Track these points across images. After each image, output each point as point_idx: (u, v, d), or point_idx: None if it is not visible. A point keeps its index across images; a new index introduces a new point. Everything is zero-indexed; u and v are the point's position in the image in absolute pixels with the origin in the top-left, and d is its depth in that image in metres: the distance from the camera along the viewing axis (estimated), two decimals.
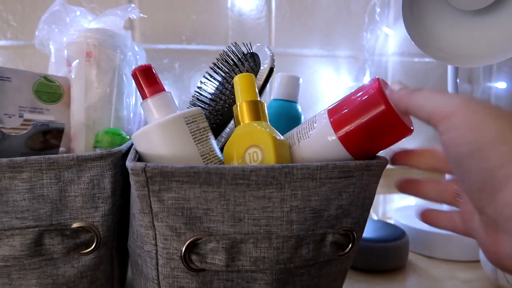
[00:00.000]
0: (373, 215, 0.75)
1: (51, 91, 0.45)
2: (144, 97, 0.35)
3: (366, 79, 0.71)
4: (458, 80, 0.50)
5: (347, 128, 0.32)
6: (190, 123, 0.34)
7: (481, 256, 0.49)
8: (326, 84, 0.71)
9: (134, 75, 0.35)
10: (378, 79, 0.32)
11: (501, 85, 0.76)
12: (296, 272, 0.32)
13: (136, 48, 0.50)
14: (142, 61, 0.54)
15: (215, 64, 0.44)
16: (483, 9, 0.44)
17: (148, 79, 0.35)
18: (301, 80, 0.51)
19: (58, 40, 0.45)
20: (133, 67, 0.40)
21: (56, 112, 0.45)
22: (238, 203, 0.30)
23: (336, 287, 0.36)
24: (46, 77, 0.44)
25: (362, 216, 0.34)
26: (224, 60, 0.42)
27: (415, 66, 0.74)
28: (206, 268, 0.30)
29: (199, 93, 0.44)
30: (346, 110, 0.33)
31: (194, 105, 0.44)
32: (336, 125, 0.33)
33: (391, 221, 0.64)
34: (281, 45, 0.69)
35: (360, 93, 0.32)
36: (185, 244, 0.30)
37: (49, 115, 0.45)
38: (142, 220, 0.30)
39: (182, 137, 0.33)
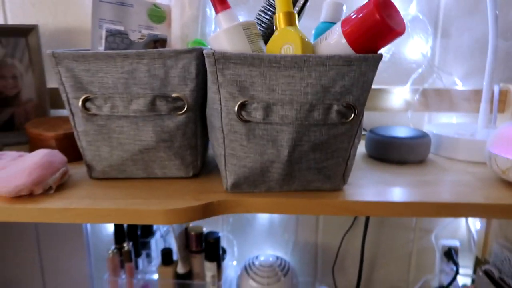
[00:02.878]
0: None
1: (158, 14, 0.64)
2: (216, 12, 0.52)
3: (417, 5, 0.79)
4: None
5: (352, 33, 0.46)
6: (246, 29, 0.50)
7: (486, 155, 0.58)
8: None
9: None
10: None
11: None
12: (311, 129, 0.48)
13: None
14: None
15: None
16: None
17: (219, 0, 0.52)
18: (344, 7, 0.63)
19: None
20: None
21: (162, 29, 0.65)
22: (272, 79, 0.47)
23: (344, 147, 0.51)
24: (155, 5, 0.64)
25: (362, 95, 0.48)
26: None
27: None
28: (250, 120, 0.48)
29: (260, 12, 0.59)
30: (352, 20, 0.46)
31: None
32: (344, 28, 0.47)
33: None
34: None
35: (364, 7, 0.45)
36: (237, 103, 0.47)
37: (157, 31, 0.65)
38: (212, 88, 0.48)
39: (239, 39, 0.50)
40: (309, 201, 0.51)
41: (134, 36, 0.61)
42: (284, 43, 0.49)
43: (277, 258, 0.85)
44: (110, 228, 0.93)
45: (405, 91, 0.80)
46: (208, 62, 0.47)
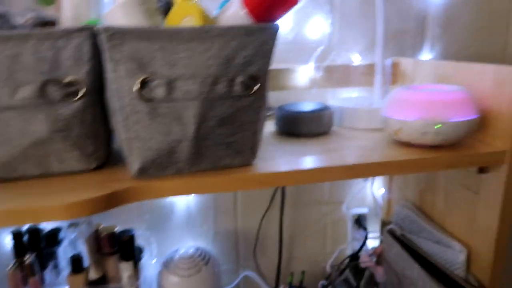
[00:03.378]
0: None
1: None
2: None
3: None
4: None
5: (251, 2, 0.46)
6: (142, 4, 0.48)
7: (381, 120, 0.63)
8: None
9: None
10: None
11: None
12: (216, 103, 0.47)
13: None
14: None
15: None
16: None
17: None
18: None
19: None
20: None
21: (51, 12, 0.59)
22: (173, 53, 0.45)
23: (251, 120, 0.51)
24: None
25: (264, 66, 0.49)
26: None
27: None
28: (152, 98, 0.46)
29: None
30: None
31: None
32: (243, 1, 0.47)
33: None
34: None
35: None
36: (137, 81, 0.45)
37: (45, 14, 0.59)
38: (109, 66, 0.45)
39: (136, 13, 0.47)
40: (221, 178, 0.51)
41: (19, 20, 0.55)
42: (184, 16, 0.47)
43: (197, 249, 0.83)
44: (7, 241, 0.83)
45: (309, 69, 0.83)
46: (102, 39, 0.44)
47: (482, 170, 0.61)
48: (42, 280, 0.75)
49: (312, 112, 0.68)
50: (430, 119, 0.55)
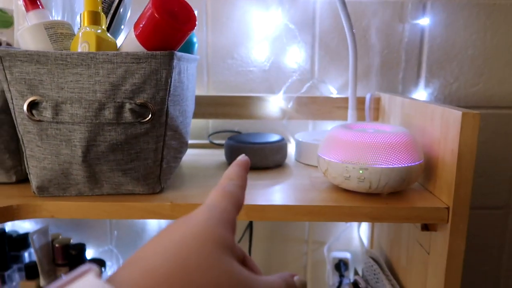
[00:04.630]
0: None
1: (5, 19, 0.63)
2: (26, 11, 0.51)
3: (293, 17, 0.80)
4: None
5: (142, 33, 0.45)
6: (49, 28, 0.49)
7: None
8: (256, 23, 0.80)
9: None
10: None
11: (425, 21, 0.79)
12: (104, 128, 0.46)
13: None
14: None
15: None
16: None
17: (30, 1, 0.51)
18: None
19: None
20: None
21: (9, 34, 0.64)
22: (60, 76, 0.45)
23: (150, 148, 0.49)
24: (1, 9, 0.63)
25: (158, 94, 0.47)
26: None
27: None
28: (41, 119, 0.46)
29: None
30: (140, 20, 0.45)
31: None
32: (135, 28, 0.46)
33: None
34: None
35: (147, 7, 0.45)
36: (26, 102, 0.46)
37: (2, 36, 0.64)
38: (4, 86, 0.47)
39: (41, 37, 0.49)
40: (117, 205, 0.49)
41: None
42: (81, 42, 0.48)
43: None
44: None
45: (280, 99, 0.79)
46: None
47: (426, 227, 0.52)
48: (2, 282, 0.79)
49: (256, 144, 0.64)
50: (353, 162, 0.49)
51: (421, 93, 0.83)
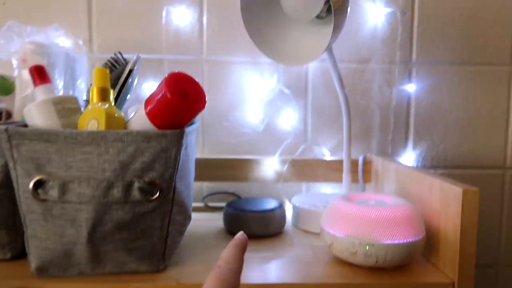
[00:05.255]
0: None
1: (6, 86, 0.63)
2: (34, 86, 0.51)
3: (286, 81, 0.83)
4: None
5: (152, 111, 0.46)
6: (57, 104, 0.49)
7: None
8: (251, 87, 0.83)
9: (29, 71, 0.52)
10: (171, 73, 0.46)
11: (411, 87, 0.83)
12: (112, 207, 0.46)
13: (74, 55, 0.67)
14: (82, 65, 0.71)
15: (105, 64, 0.59)
16: (312, 24, 0.55)
17: (38, 74, 0.51)
18: None
19: (6, 50, 0.63)
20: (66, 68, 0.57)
21: (9, 101, 0.63)
22: (69, 155, 0.45)
23: (157, 226, 0.49)
24: (2, 76, 0.63)
25: (167, 172, 0.47)
26: (109, 62, 0.58)
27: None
28: (47, 199, 0.45)
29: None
30: (151, 98, 0.46)
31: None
32: (146, 106, 0.47)
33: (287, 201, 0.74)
34: (212, 54, 0.83)
35: (160, 86, 0.46)
36: (32, 181, 0.45)
37: (2, 104, 0.63)
38: (10, 165, 0.46)
39: (49, 114, 0.49)
40: (120, 286, 0.48)
41: None
42: (91, 119, 0.48)
43: None
44: None
45: (275, 162, 0.80)
46: (2, 139, 0.45)
47: None
48: None
49: (258, 212, 0.64)
50: (360, 238, 0.49)
51: (409, 154, 0.86)
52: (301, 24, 0.57)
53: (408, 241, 0.49)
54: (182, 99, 0.45)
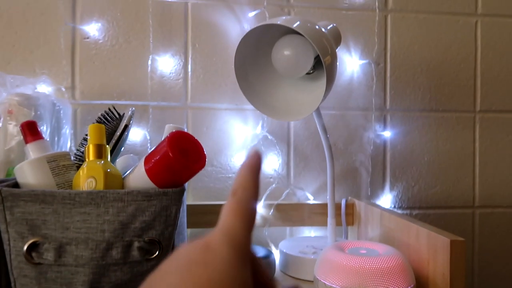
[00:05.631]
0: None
1: None
2: (26, 143, 0.50)
3: (270, 127, 0.85)
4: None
5: (152, 169, 0.46)
6: (51, 161, 0.48)
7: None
8: (235, 132, 0.85)
9: (21, 127, 0.51)
10: (173, 132, 0.47)
11: (387, 133, 0.88)
12: (110, 268, 0.45)
13: (57, 104, 0.66)
14: (67, 113, 0.71)
15: (98, 118, 0.59)
16: (301, 79, 0.58)
17: (30, 130, 0.50)
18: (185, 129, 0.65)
19: None
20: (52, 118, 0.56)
21: None
22: (66, 216, 0.44)
23: None
24: None
25: (167, 230, 0.47)
26: (102, 117, 0.58)
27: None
28: (41, 262, 0.44)
29: (81, 141, 0.59)
30: (151, 156, 0.47)
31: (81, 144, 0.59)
32: (146, 164, 0.47)
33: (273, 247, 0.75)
34: (196, 101, 0.84)
35: (160, 144, 0.47)
36: (26, 244, 0.43)
37: None
38: (1, 227, 0.44)
39: (43, 172, 0.48)
40: None
41: None
42: (88, 177, 0.47)
43: None
44: None
45: (260, 207, 0.81)
46: None
47: None
48: None
49: None
50: None
51: (387, 196, 0.89)
52: (292, 80, 0.60)
53: None
54: (184, 158, 0.45)
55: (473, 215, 0.93)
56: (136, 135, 0.82)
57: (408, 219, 0.61)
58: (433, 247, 0.53)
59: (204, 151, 0.48)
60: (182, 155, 0.46)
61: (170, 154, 0.45)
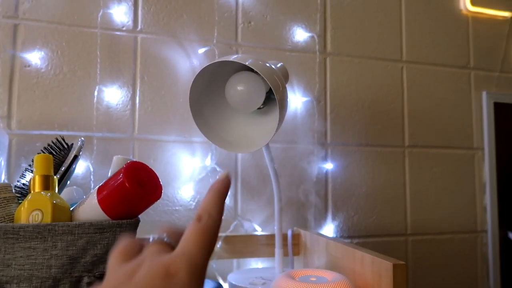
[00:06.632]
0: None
1: None
2: None
3: (218, 160, 0.86)
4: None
5: (105, 199, 0.45)
6: None
7: None
8: (183, 164, 0.85)
9: None
10: (130, 162, 0.46)
11: (329, 165, 0.94)
12: None
13: None
14: (2, 143, 0.66)
15: (45, 148, 0.56)
16: (252, 114, 0.61)
17: None
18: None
19: None
20: None
21: None
22: (8, 252, 0.41)
23: None
24: None
25: None
26: (49, 147, 0.55)
27: (261, 151, 0.90)
28: None
29: (24, 171, 0.56)
30: (106, 186, 0.46)
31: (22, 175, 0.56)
32: (99, 194, 0.46)
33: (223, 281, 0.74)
34: (143, 133, 0.83)
35: (116, 174, 0.46)
36: None
37: None
38: None
39: None
40: None
41: None
42: (33, 209, 0.45)
43: None
44: None
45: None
46: None
47: None
48: None
49: None
50: None
51: (329, 226, 0.93)
52: (244, 115, 0.63)
53: None
54: (140, 189, 0.45)
55: (406, 242, 0.99)
56: (79, 166, 0.79)
57: (353, 246, 0.65)
58: (377, 272, 0.57)
59: (160, 182, 0.48)
60: (139, 186, 0.45)
61: (127, 184, 0.44)
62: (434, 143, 1.04)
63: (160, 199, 0.83)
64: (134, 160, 0.55)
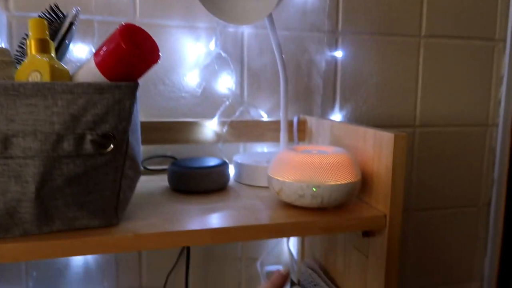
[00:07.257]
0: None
1: None
2: None
3: (223, 46, 0.84)
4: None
5: (103, 62, 0.45)
6: None
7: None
8: (188, 50, 0.83)
9: None
10: (124, 24, 0.45)
11: (338, 54, 0.90)
12: (62, 161, 0.44)
13: None
14: (1, 23, 0.65)
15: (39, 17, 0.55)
16: None
17: None
18: None
19: None
20: None
21: None
22: (10, 108, 0.42)
23: (109, 179, 0.48)
24: None
25: (120, 124, 0.46)
26: (43, 15, 0.53)
27: (268, 38, 0.87)
28: None
29: (22, 38, 0.55)
30: (102, 49, 0.45)
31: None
32: (96, 57, 0.45)
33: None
34: (145, 17, 0.80)
35: (112, 36, 0.45)
36: None
37: None
38: None
39: None
40: (73, 241, 0.46)
41: None
42: (32, 70, 0.45)
43: None
44: None
45: (214, 124, 0.82)
46: None
47: (367, 233, 0.59)
48: None
49: (203, 168, 0.65)
50: (307, 181, 0.54)
51: (336, 116, 0.93)
52: None
53: (349, 182, 0.54)
54: (137, 50, 0.44)
55: (414, 133, 0.99)
56: (81, 51, 0.78)
57: (357, 125, 0.65)
58: (378, 144, 0.57)
59: (157, 45, 0.47)
60: (136, 47, 0.44)
61: (123, 45, 0.43)
62: (454, 32, 0.98)
63: (166, 85, 0.83)
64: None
